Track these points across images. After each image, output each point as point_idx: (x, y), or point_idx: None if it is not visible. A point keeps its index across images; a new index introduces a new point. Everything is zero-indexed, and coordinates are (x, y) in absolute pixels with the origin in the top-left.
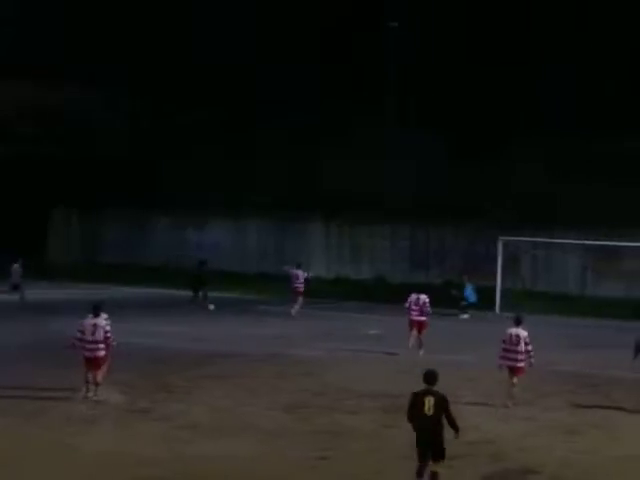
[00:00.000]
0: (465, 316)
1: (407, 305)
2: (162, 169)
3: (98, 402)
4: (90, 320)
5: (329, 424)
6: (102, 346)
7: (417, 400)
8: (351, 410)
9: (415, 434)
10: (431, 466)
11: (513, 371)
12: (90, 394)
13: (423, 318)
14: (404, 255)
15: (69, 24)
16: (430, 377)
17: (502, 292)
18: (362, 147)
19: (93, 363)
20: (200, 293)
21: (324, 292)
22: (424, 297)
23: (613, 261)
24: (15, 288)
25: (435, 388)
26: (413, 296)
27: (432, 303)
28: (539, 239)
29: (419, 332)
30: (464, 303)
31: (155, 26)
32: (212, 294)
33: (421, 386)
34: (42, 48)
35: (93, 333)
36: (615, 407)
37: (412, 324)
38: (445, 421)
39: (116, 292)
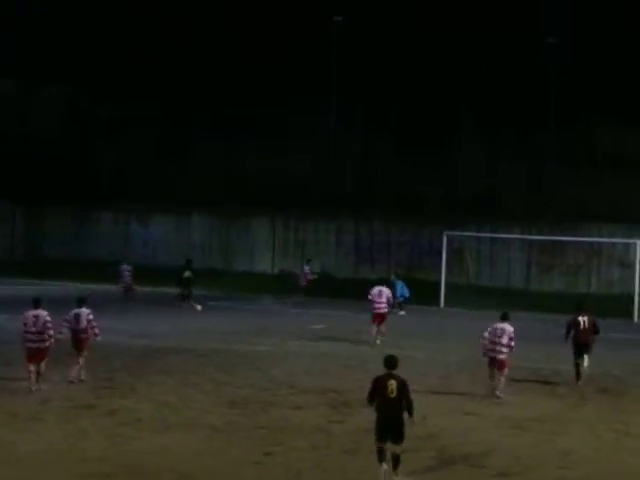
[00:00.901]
0: (402, 312)
1: (370, 298)
2: (104, 165)
3: (44, 398)
4: (31, 312)
5: (274, 420)
6: (45, 337)
7: (380, 384)
8: (297, 405)
9: (376, 416)
10: (393, 448)
11: (494, 362)
12: (34, 387)
13: (386, 311)
14: (349, 250)
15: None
16: (391, 362)
17: (446, 287)
18: (309, 144)
19: (36, 354)
20: (186, 292)
21: (270, 287)
22: (387, 290)
23: (556, 256)
24: (128, 290)
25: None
26: (375, 289)
27: None
28: (483, 234)
29: (380, 324)
30: (399, 300)
31: (90, 22)
32: (159, 289)
33: (368, 381)
34: None
35: (35, 324)
36: (559, 401)
37: (375, 317)
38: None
39: (62, 288)
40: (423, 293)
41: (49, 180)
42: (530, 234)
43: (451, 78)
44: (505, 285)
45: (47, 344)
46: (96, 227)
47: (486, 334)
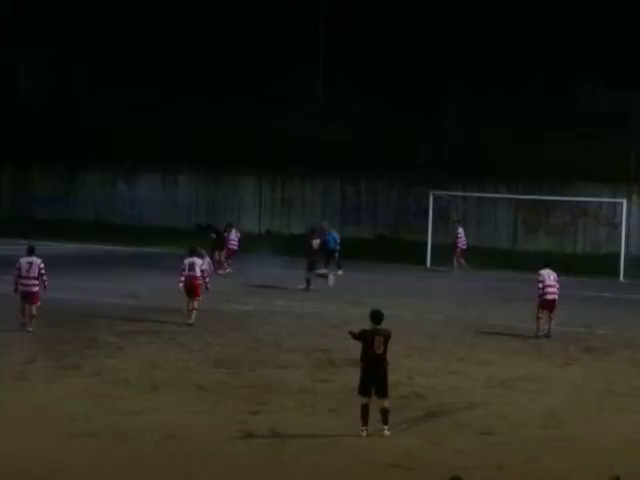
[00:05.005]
0: (340, 272)
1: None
2: (89, 122)
3: (29, 358)
4: (26, 259)
5: (261, 379)
6: (38, 282)
7: (367, 338)
8: (283, 365)
9: (361, 370)
10: (380, 403)
11: (548, 303)
12: (29, 328)
13: None
14: (335, 210)
15: None
16: (378, 316)
17: (432, 247)
18: (297, 103)
19: (29, 297)
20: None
21: (255, 246)
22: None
23: (543, 215)
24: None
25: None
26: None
27: (363, 257)
28: (469, 193)
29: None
30: (336, 256)
31: None
32: (144, 249)
33: (352, 341)
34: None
35: (28, 270)
36: (545, 361)
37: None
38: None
39: (49, 247)
40: (409, 253)
41: (35, 140)
42: (517, 194)
43: (439, 36)
44: (491, 245)
45: (38, 289)
46: (82, 187)
47: (540, 281)
